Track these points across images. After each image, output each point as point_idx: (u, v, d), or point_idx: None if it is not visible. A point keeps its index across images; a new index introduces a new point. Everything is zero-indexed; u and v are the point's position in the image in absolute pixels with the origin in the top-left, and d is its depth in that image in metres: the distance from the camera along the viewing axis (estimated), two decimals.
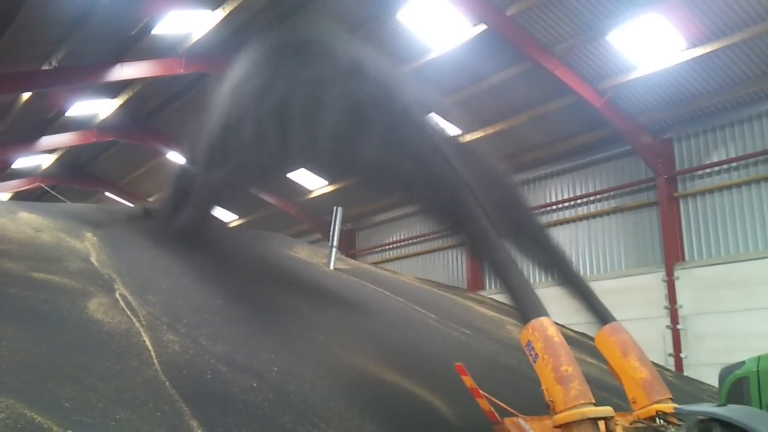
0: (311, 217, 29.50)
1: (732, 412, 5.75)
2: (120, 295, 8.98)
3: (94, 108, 25.21)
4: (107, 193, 33.73)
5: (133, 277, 9.73)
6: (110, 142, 28.19)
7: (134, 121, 26.79)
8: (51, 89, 22.49)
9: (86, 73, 21.06)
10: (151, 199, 29.23)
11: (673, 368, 16.73)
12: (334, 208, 16.02)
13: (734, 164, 17.58)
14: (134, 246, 11.31)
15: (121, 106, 24.59)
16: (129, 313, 8.49)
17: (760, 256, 16.49)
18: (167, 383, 7.11)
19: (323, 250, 15.77)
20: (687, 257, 18.16)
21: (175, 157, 25.99)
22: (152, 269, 10.38)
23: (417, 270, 24.63)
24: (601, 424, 6.80)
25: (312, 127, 8.93)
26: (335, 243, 15.20)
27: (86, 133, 26.52)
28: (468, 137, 20.70)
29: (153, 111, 26.42)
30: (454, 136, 16.56)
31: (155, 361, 7.50)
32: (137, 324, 8.23)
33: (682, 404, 7.03)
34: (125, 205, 27.74)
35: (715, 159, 17.99)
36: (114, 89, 23.84)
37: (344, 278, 14.07)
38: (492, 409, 7.10)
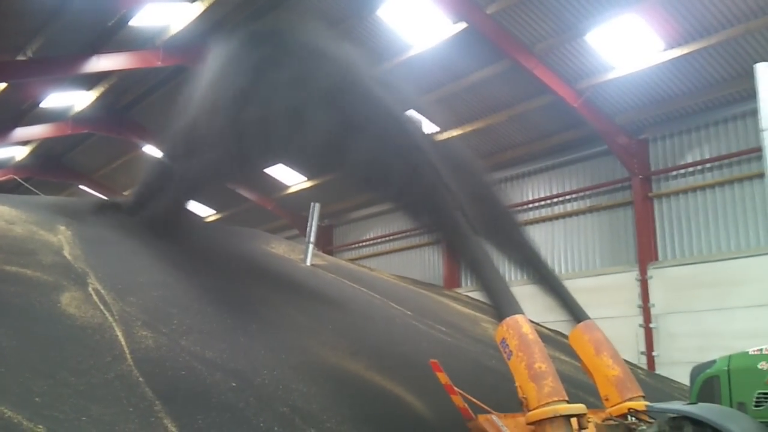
0: (288, 213, 29.41)
1: (703, 410, 5.83)
2: (93, 289, 8.88)
3: (70, 100, 24.92)
4: (82, 186, 33.36)
5: (107, 271, 9.61)
6: (85, 134, 27.90)
7: (110, 114, 26.52)
8: (26, 80, 22.22)
9: (62, 65, 20.80)
10: (126, 193, 28.95)
11: (645, 366, 16.91)
12: (312, 204, 15.98)
13: (708, 165, 17.80)
14: (109, 240, 11.19)
15: (97, 98, 24.34)
16: (102, 307, 8.39)
17: (733, 257, 16.72)
18: (140, 379, 7.04)
19: (300, 246, 15.72)
20: (660, 257, 18.37)
21: (152, 151, 25.78)
22: (127, 264, 10.27)
23: (394, 267, 24.64)
24: (574, 421, 6.88)
25: (289, 122, 8.90)
26: (312, 239, 15.16)
27: (61, 125, 26.22)
28: (446, 135, 20.75)
29: (129, 103, 26.18)
30: (433, 134, 16.62)
31: (128, 356, 7.42)
32: (110, 319, 8.14)
33: (653, 402, 7.11)
34: (100, 198, 27.45)
35: (689, 160, 18.21)
36: (90, 81, 23.58)
37: (321, 274, 14.04)
38: (466, 406, 7.13)
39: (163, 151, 12.90)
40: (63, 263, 9.56)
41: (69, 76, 22.11)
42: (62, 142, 29.31)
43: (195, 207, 28.15)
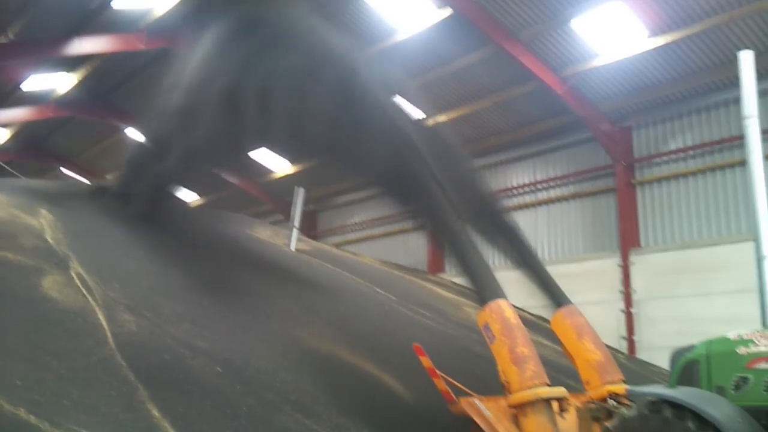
0: (273, 198, 29.33)
1: (682, 393, 5.89)
2: (75, 273, 8.82)
3: (52, 82, 24.64)
4: (64, 170, 33.07)
5: (89, 255, 9.55)
6: (67, 117, 27.62)
7: (92, 97, 26.25)
8: (7, 62, 21.91)
9: (44, 47, 20.57)
10: (108, 177, 28.72)
11: (626, 351, 17.08)
12: (296, 188, 15.94)
13: (691, 153, 17.92)
14: (91, 224, 11.11)
15: (80, 81, 24.08)
16: (84, 291, 8.35)
17: (713, 243, 16.88)
18: (123, 363, 7.03)
19: (285, 230, 15.70)
20: (642, 243, 18.52)
21: (134, 135, 25.57)
22: (109, 248, 10.22)
23: (378, 252, 24.65)
24: (555, 404, 6.96)
25: (274, 106, 8.86)
26: (297, 224, 15.15)
27: (43, 108, 25.95)
28: (431, 120, 20.71)
29: (112, 87, 25.91)
30: (418, 119, 16.59)
31: (111, 340, 7.39)
32: (92, 303, 8.10)
33: (633, 386, 7.18)
34: (82, 182, 27.23)
35: (672, 147, 18.31)
36: (72, 64, 23.32)
37: (305, 259, 14.03)
38: (448, 389, 7.19)
39: (145, 135, 12.79)
40: (45, 247, 9.49)
41: (51, 58, 21.85)
42: (44, 125, 28.98)
43: (178, 192, 27.98)
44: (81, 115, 27.08)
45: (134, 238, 10.80)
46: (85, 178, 30.61)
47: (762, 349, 6.06)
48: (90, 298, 8.20)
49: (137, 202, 11.64)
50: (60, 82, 24.52)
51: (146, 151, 11.89)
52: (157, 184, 11.54)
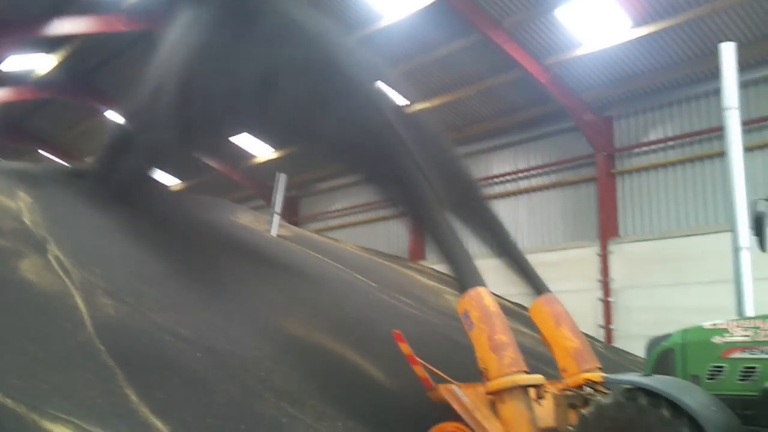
0: (254, 183, 29.19)
1: (657, 382, 5.96)
2: (53, 256, 8.75)
3: (31, 63, 24.30)
4: (42, 152, 32.69)
5: (68, 238, 9.48)
6: (47, 99, 27.29)
7: (72, 79, 25.93)
8: None
9: (23, 27, 20.27)
10: (88, 159, 28.46)
11: (603, 339, 17.25)
12: (278, 174, 15.89)
13: (671, 143, 18.04)
14: (70, 207, 11.02)
15: (60, 62, 23.77)
16: (62, 274, 8.29)
17: (691, 233, 17.05)
18: (101, 347, 7.00)
19: (266, 216, 15.66)
20: (621, 233, 18.66)
21: (114, 117, 25.31)
22: (88, 231, 10.14)
23: (359, 239, 24.65)
24: (532, 391, 7.03)
25: (256, 90, 8.81)
26: (278, 209, 15.11)
27: (22, 88, 25.61)
28: (414, 107, 20.69)
29: (92, 68, 25.61)
30: (401, 106, 16.57)
31: (88, 324, 7.36)
32: (71, 286, 8.05)
33: (610, 374, 7.26)
34: (61, 164, 26.95)
35: (652, 137, 18.43)
36: (52, 44, 23.01)
37: (286, 245, 14.01)
38: (427, 375, 7.23)
39: (126, 117, 12.67)
40: (22, 229, 9.40)
41: (30, 38, 21.53)
42: (23, 106, 28.62)
43: (159, 175, 27.76)
44: (61, 96, 26.77)
45: (114, 222, 10.73)
46: (64, 160, 30.27)
47: (737, 338, 6.15)
48: (68, 282, 8.15)
49: (116, 185, 11.55)
50: (40, 63, 24.20)
51: (126, 134, 11.78)
52: (137, 167, 11.45)
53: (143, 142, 10.71)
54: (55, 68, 24.21)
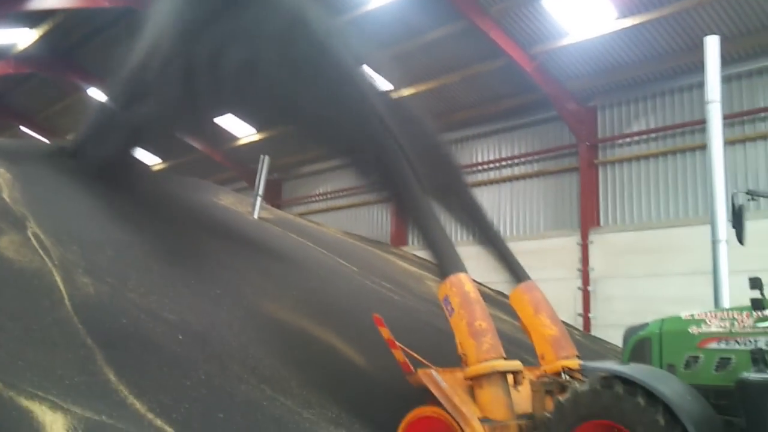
0: (237, 165, 29.04)
1: (633, 370, 6.03)
2: (32, 233, 8.67)
3: (12, 37, 23.93)
4: (23, 128, 32.28)
5: (47, 216, 9.38)
6: (28, 74, 26.93)
7: (54, 54, 25.62)
8: None
9: (5, 1, 19.92)
10: (69, 137, 28.17)
11: (581, 327, 17.42)
12: (261, 156, 15.82)
13: (653, 135, 18.17)
14: (50, 184, 10.90)
15: (41, 37, 23.44)
16: (41, 252, 8.22)
17: (671, 225, 17.22)
18: (79, 326, 6.95)
19: (248, 198, 15.60)
20: (602, 223, 18.81)
21: (96, 94, 25.04)
22: (68, 209, 10.05)
23: (342, 223, 24.66)
24: (510, 377, 7.08)
25: (240, 70, 8.74)
26: (261, 192, 15.06)
27: (2, 63, 25.23)
28: (399, 93, 20.65)
29: (75, 44, 25.30)
30: (386, 92, 16.53)
31: (67, 302, 7.30)
32: (49, 264, 7.98)
33: (587, 361, 7.34)
34: (42, 141, 26.64)
35: (635, 129, 18.55)
36: (34, 19, 22.68)
37: (268, 228, 13.98)
38: (407, 360, 7.25)
39: (108, 95, 12.53)
40: (1, 206, 9.30)
41: (12, 12, 21.20)
42: (3, 81, 28.26)
43: (141, 155, 27.55)
44: (42, 72, 26.45)
45: (95, 201, 10.63)
46: (44, 137, 29.93)
47: (713, 329, 6.23)
48: (47, 259, 8.08)
49: (98, 163, 11.43)
50: (21, 38, 23.85)
51: (108, 111, 11.65)
52: (119, 146, 11.33)
53: (125, 120, 10.60)
54: (36, 43, 23.89)
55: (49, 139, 27.13)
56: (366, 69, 10.18)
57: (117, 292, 7.95)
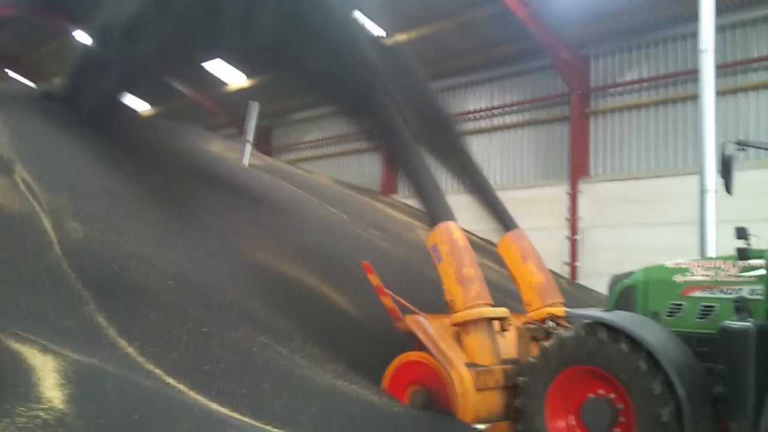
0: (226, 111, 28.77)
1: (617, 317, 6.15)
2: (20, 178, 8.60)
3: None
4: (9, 71, 31.78)
5: (36, 160, 9.29)
6: (13, 16, 26.37)
7: None
8: None
9: None
10: (56, 81, 27.76)
11: (568, 276, 17.62)
12: (251, 102, 15.68)
13: (645, 85, 18.07)
14: (37, 129, 10.79)
15: None
16: (30, 197, 8.17)
17: (660, 175, 17.27)
18: (70, 271, 6.95)
19: (238, 145, 15.52)
20: (592, 172, 18.84)
21: (83, 38, 24.59)
22: (56, 154, 9.96)
23: (332, 171, 24.62)
24: (496, 323, 7.19)
25: (230, 14, 8.60)
26: (250, 139, 14.98)
27: None
28: (391, 39, 20.36)
29: None
30: (378, 37, 16.32)
31: (57, 248, 7.29)
32: (38, 209, 7.94)
33: (572, 309, 7.46)
34: (28, 85, 26.26)
35: (628, 78, 18.43)
36: None
37: (258, 175, 13.95)
38: (395, 306, 7.34)
39: (94, 38, 12.31)
40: None
41: None
42: None
43: (129, 100, 27.24)
44: (28, 14, 25.85)
45: (83, 146, 10.53)
46: (31, 81, 29.48)
47: (697, 278, 6.34)
48: (35, 204, 8.03)
49: (85, 108, 11.30)
50: None
51: (95, 55, 11.47)
52: (106, 90, 11.19)
53: (113, 64, 10.44)
54: None
55: (35, 83, 26.76)
56: (358, 15, 10.04)
57: (107, 238, 7.93)
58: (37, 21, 26.55)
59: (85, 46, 14.05)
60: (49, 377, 4.71)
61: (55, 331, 5.80)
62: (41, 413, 4.23)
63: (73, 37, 26.27)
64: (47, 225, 7.67)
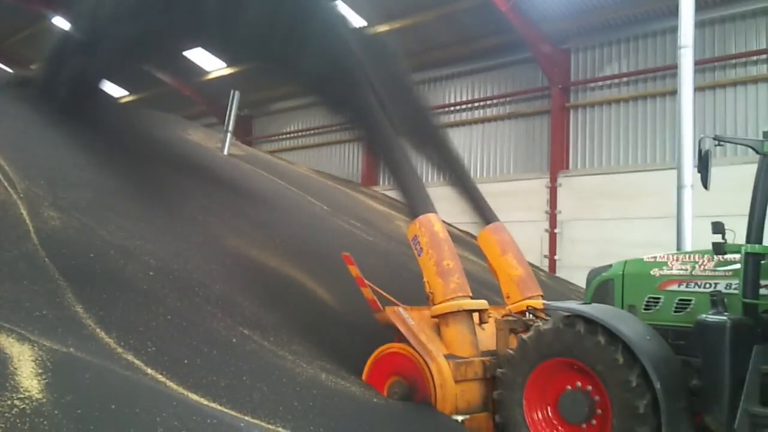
0: (206, 100, 28.57)
1: (595, 310, 6.21)
2: None
3: None
4: None
5: (12, 147, 9.16)
6: None
7: None
8: None
9: None
10: (33, 67, 27.36)
11: (546, 269, 17.74)
12: (232, 91, 15.57)
13: (624, 79, 18.22)
14: (14, 115, 10.63)
15: None
16: (6, 184, 8.06)
17: (638, 170, 17.44)
18: (46, 259, 6.88)
19: (218, 134, 15.42)
20: (571, 166, 18.97)
21: (60, 23, 24.26)
22: (33, 141, 9.83)
23: (312, 161, 24.57)
24: (476, 315, 7.23)
25: (209, 5, 8.53)
26: (231, 128, 14.88)
27: None
28: (373, 29, 20.33)
29: None
30: (360, 28, 16.28)
31: (33, 236, 7.21)
32: (14, 196, 7.84)
33: (551, 301, 7.51)
34: (4, 70, 25.86)
35: (608, 72, 18.56)
36: None
37: (238, 164, 13.87)
38: (375, 297, 7.35)
39: (73, 24, 12.15)
40: None
41: None
42: None
43: (107, 86, 26.95)
44: None
45: (60, 132, 10.40)
46: (7, 66, 29.03)
47: (674, 272, 6.41)
48: (12, 191, 7.93)
49: (63, 95, 11.14)
50: None
51: (73, 41, 11.31)
52: (84, 77, 11.04)
53: (92, 50, 10.30)
54: None
55: (12, 69, 26.37)
56: (340, 5, 10.00)
57: (86, 227, 7.85)
58: (15, 5, 26.13)
59: (64, 31, 13.85)
60: (26, 366, 4.68)
61: (31, 320, 5.74)
62: (18, 402, 4.20)
63: (52, 23, 25.94)
64: (24, 213, 7.58)
